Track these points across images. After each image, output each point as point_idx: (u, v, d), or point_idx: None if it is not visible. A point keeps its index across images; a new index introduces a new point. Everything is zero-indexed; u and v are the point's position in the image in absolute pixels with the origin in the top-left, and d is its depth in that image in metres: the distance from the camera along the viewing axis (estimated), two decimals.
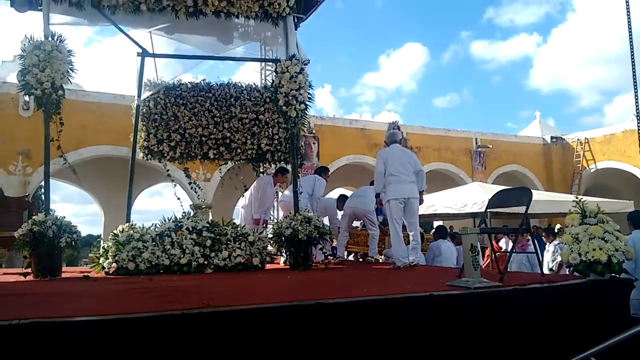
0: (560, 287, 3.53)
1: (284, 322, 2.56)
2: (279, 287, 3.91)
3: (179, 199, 6.75)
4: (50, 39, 5.07)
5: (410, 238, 5.63)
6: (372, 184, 7.50)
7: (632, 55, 4.07)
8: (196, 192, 7.78)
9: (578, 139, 19.73)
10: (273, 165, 7.62)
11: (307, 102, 5.87)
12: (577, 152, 19.58)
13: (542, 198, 11.50)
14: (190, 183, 7.50)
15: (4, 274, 5.80)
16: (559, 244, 8.46)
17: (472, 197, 11.06)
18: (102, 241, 12.68)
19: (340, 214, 7.74)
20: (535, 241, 5.10)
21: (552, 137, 20.69)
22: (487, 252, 7.83)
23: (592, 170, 19.28)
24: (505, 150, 19.89)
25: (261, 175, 7.67)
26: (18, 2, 7.19)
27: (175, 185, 7.09)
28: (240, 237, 5.58)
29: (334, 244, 7.67)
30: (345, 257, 7.42)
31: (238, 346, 2.43)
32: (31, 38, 5.00)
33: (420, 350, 2.75)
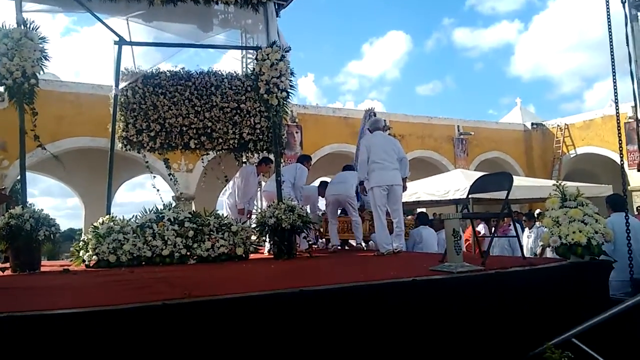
0: (541, 269, 3.57)
1: (268, 310, 2.54)
2: (262, 276, 3.90)
3: (157, 190, 6.62)
4: (22, 26, 4.92)
5: (394, 225, 5.64)
6: (345, 168, 7.48)
7: (611, 41, 4.11)
8: (175, 184, 7.64)
9: (558, 125, 20.01)
10: (255, 155, 7.55)
11: (288, 90, 5.82)
12: (557, 138, 19.86)
13: (523, 183, 11.65)
14: (169, 174, 7.38)
15: None
16: (540, 227, 8.60)
17: (455, 183, 11.16)
18: (83, 235, 12.50)
19: (322, 201, 7.69)
20: (517, 225, 5.15)
21: (532, 124, 20.95)
22: (466, 235, 7.90)
23: (572, 156, 19.59)
24: (487, 137, 20.08)
25: (244, 165, 7.61)
26: None
27: (154, 176, 6.97)
28: (223, 228, 5.53)
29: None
30: (338, 244, 7.15)
31: (222, 336, 2.41)
32: (1, 26, 4.84)
33: (404, 335, 2.76)
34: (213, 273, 4.14)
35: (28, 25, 4.99)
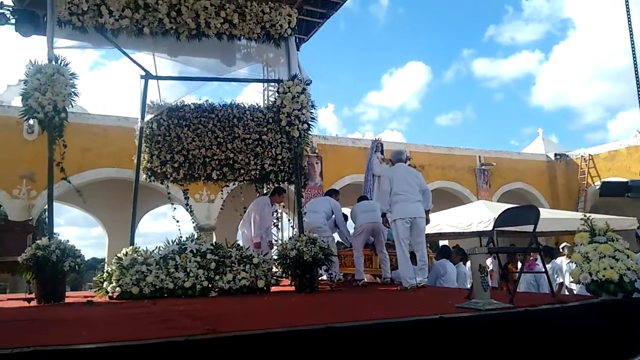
0: (573, 307, 3.44)
1: (294, 347, 2.49)
2: (284, 311, 3.85)
3: (177, 222, 6.67)
4: (53, 62, 5.11)
5: (417, 258, 5.55)
6: (360, 199, 7.35)
7: (636, 70, 4.06)
8: (191, 215, 7.69)
9: (582, 156, 19.69)
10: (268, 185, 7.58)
11: (309, 122, 5.88)
12: (581, 168, 19.51)
13: (548, 216, 11.40)
14: (187, 205, 7.44)
15: (8, 299, 5.76)
16: (554, 262, 8.42)
17: (478, 215, 10.97)
18: (105, 265, 12.64)
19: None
20: (543, 260, 5.02)
21: (555, 154, 20.66)
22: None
23: (597, 187, 19.17)
24: (509, 168, 19.84)
25: (257, 197, 7.60)
26: (23, 27, 7.27)
27: (174, 208, 7.03)
28: (244, 260, 5.52)
29: None
30: (365, 279, 6.82)
31: None
32: (34, 62, 5.04)
33: None
34: (235, 307, 4.10)
35: (59, 62, 5.18)
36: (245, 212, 7.61)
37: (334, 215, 7.25)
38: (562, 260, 8.64)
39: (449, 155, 18.96)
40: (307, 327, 2.64)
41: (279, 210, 8.28)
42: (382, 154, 7.75)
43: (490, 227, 8.06)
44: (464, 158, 19.19)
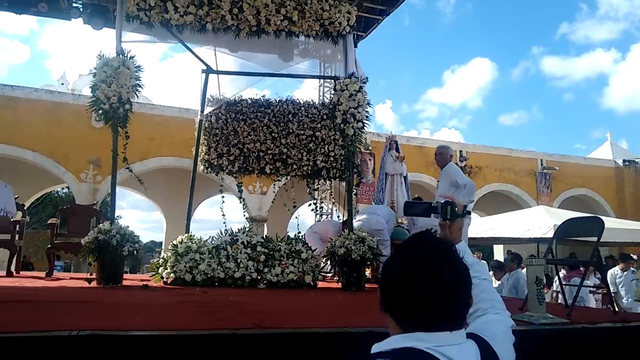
0: (636, 327, 3.23)
1: (335, 347, 2.49)
2: (330, 308, 3.85)
3: (223, 215, 6.81)
4: (120, 55, 5.34)
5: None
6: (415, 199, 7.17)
7: None
8: (244, 208, 7.85)
9: None
10: (327, 182, 7.59)
11: (364, 121, 5.83)
12: None
13: (613, 225, 10.76)
14: (240, 198, 7.60)
15: (71, 278, 6.12)
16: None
17: (536, 221, 10.51)
18: (162, 249, 13.15)
19: None
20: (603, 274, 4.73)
21: (624, 161, 19.47)
22: None
23: None
24: (573, 173, 18.90)
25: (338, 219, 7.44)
26: (93, 20, 7.64)
27: (223, 201, 7.20)
28: (293, 254, 5.58)
29: None
30: None
31: None
32: (102, 55, 5.28)
33: None
34: (282, 301, 4.16)
35: (126, 55, 5.41)
36: (294, 207, 7.68)
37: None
38: (615, 271, 8.13)
39: (508, 157, 18.31)
40: (352, 328, 2.63)
41: (330, 206, 8.29)
42: (397, 151, 7.52)
43: (549, 235, 7.72)
44: (525, 161, 18.47)
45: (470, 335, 1.18)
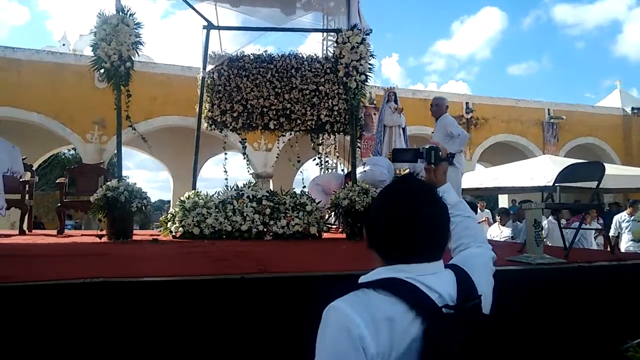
0: (631, 266, 3.33)
1: (340, 289, 2.60)
2: (335, 256, 3.97)
3: (225, 171, 6.95)
4: (120, 13, 5.28)
5: None
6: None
7: None
8: (248, 164, 7.93)
9: None
10: (332, 137, 7.59)
11: (367, 73, 5.79)
12: None
13: (618, 172, 10.77)
14: (243, 154, 7.65)
15: (82, 235, 6.30)
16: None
17: (541, 170, 10.52)
18: (170, 207, 13.37)
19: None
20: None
21: (633, 108, 19.21)
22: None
23: None
24: (581, 122, 18.71)
25: (342, 172, 7.55)
26: None
27: (226, 158, 7.28)
28: (298, 207, 5.68)
29: None
30: None
31: (294, 310, 2.50)
32: (102, 13, 5.23)
33: None
34: (288, 250, 4.29)
35: (125, 12, 5.34)
36: (298, 162, 7.75)
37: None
38: (622, 216, 8.20)
39: (515, 107, 18.12)
40: (357, 272, 2.73)
41: (334, 161, 8.33)
42: (396, 102, 7.44)
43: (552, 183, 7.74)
44: (532, 111, 18.27)
45: (451, 266, 1.30)
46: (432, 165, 1.64)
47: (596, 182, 3.89)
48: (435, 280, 1.19)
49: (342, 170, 8.78)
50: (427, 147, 1.64)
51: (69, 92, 13.19)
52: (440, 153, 1.63)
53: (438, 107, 5.81)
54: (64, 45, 19.54)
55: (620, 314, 2.93)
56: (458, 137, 5.32)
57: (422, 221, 1.20)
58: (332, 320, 1.11)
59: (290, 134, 7.56)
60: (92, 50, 5.28)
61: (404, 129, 7.55)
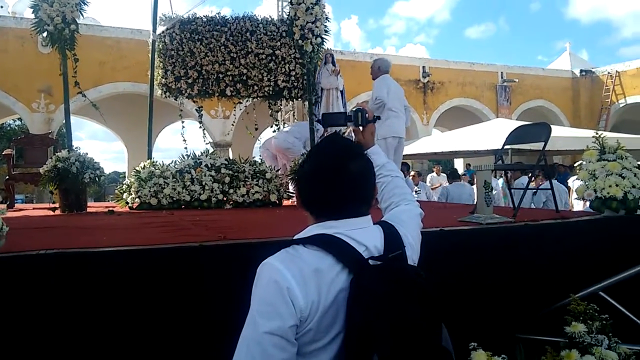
0: (574, 223, 3.53)
1: None
2: (294, 222, 4.02)
3: (184, 140, 6.83)
4: None
5: None
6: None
7: None
8: (204, 133, 7.79)
9: (608, 72, 18.94)
10: (291, 103, 7.53)
11: (323, 36, 5.73)
12: (606, 86, 18.85)
13: (566, 134, 11.23)
14: (200, 121, 7.51)
15: (34, 208, 6.09)
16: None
17: (495, 133, 10.85)
18: (126, 177, 13.05)
19: None
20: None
21: (581, 71, 19.90)
22: None
23: (621, 105, 18.64)
24: (532, 85, 19.26)
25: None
26: None
27: (183, 126, 7.13)
28: (258, 175, 5.67)
29: None
30: None
31: (252, 274, 2.54)
32: None
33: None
34: (248, 218, 4.30)
35: None
36: (256, 129, 7.68)
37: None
38: (573, 179, 8.66)
39: (470, 71, 18.41)
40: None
41: (287, 125, 8.23)
42: (333, 65, 7.41)
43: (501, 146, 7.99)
44: (486, 74, 18.64)
45: (380, 222, 1.39)
46: (360, 127, 1.70)
47: (542, 143, 4.07)
48: (363, 234, 1.26)
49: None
50: (354, 109, 1.71)
51: (12, 58, 12.42)
52: (367, 115, 1.70)
53: (372, 69, 5.89)
54: (1, 7, 18.25)
55: (566, 270, 3.13)
56: (374, 100, 5.39)
57: (348, 175, 1.26)
58: (263, 274, 1.20)
59: (248, 100, 7.44)
60: (33, 12, 4.99)
61: (342, 92, 7.48)
